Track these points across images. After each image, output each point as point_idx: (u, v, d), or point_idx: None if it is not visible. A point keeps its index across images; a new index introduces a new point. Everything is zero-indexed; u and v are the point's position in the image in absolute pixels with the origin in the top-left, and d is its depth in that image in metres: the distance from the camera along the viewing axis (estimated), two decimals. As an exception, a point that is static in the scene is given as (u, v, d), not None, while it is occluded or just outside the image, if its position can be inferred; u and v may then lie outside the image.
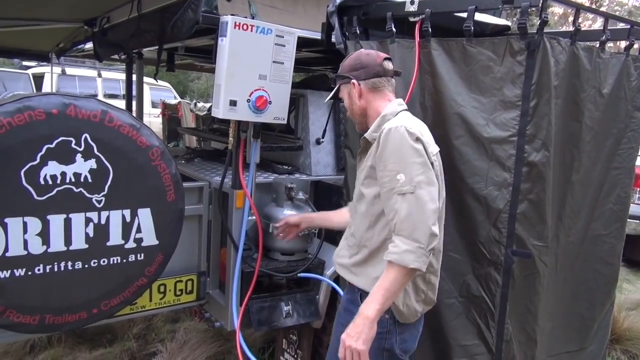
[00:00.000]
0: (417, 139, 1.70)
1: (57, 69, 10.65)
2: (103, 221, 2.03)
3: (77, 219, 1.96)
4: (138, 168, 2.07)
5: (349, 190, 2.87)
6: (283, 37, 2.37)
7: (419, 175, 1.63)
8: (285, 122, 2.53)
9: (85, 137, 1.93)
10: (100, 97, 10.64)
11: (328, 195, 3.11)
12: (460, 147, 2.29)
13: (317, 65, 4.42)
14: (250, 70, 2.32)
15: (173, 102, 10.09)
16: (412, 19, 2.46)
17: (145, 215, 2.12)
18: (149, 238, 2.16)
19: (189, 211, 2.71)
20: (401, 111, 1.86)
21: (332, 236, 2.95)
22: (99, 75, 10.98)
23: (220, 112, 2.32)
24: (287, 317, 2.79)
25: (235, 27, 2.23)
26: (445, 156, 2.30)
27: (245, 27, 2.25)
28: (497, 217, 2.19)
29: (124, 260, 2.11)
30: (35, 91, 10.50)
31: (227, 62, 2.26)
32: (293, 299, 2.86)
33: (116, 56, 4.17)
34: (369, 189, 1.82)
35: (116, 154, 2.02)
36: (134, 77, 4.32)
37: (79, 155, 1.92)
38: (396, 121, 1.76)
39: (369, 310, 1.59)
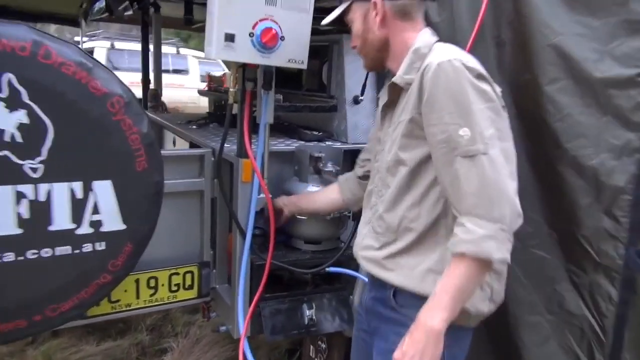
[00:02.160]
0: (481, 77, 1.24)
1: (107, 43, 10.54)
2: (42, 197, 1.47)
3: (3, 193, 1.41)
4: (91, 124, 1.49)
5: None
6: (299, -56, 1.69)
7: (489, 127, 1.20)
8: (304, 65, 1.86)
9: (9, 79, 1.36)
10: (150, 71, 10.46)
11: (367, 169, 2.43)
12: (555, 96, 1.54)
13: None
14: (253, -9, 1.67)
15: (219, 74, 9.66)
16: None
17: (104, 190, 1.55)
18: (112, 221, 1.59)
19: (187, 186, 2.13)
20: (436, 42, 1.37)
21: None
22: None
23: (213, 50, 1.69)
24: (310, 324, 2.18)
25: None
26: (529, 111, 1.58)
27: None
28: (614, 199, 1.45)
29: (77, 251, 1.55)
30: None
31: (220, -20, 1.62)
32: (319, 300, 2.24)
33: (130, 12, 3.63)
34: (410, 153, 1.32)
35: (58, 103, 1.44)
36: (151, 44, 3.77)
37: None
38: (442, 54, 1.26)
39: (435, 319, 1.18)
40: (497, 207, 1.14)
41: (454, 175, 1.19)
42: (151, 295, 2.11)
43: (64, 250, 1.53)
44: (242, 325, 2.00)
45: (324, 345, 2.53)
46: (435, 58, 1.24)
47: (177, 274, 2.15)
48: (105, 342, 3.23)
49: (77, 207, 1.52)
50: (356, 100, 2.56)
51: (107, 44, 10.40)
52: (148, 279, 2.08)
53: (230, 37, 1.68)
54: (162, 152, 1.80)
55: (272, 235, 2.01)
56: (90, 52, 10.24)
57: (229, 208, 2.04)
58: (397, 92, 1.38)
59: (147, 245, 1.72)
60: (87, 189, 1.53)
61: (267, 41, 1.71)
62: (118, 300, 2.03)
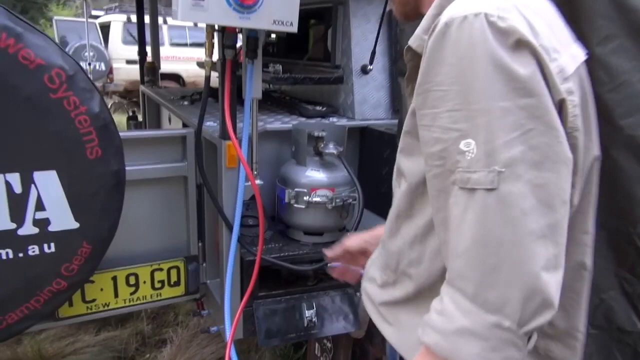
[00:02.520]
0: (519, 43, 0.71)
1: (123, 17, 10.34)
2: (-31, 192, 1.22)
3: None
4: (25, 104, 1.22)
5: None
6: None
7: (513, 143, 0.69)
8: (294, 29, 1.55)
9: None
10: (167, 46, 10.22)
11: (379, 149, 2.13)
12: (608, 59, 1.19)
13: None
14: None
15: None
16: None
17: (48, 183, 1.29)
18: (61, 219, 1.34)
19: (169, 171, 1.87)
20: None
21: (379, 204, 2.01)
22: (165, 22, 10.45)
23: (179, 11, 1.39)
24: (311, 326, 1.92)
25: None
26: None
27: None
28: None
29: (20, 255, 1.31)
30: (102, 40, 10.34)
31: None
32: (320, 299, 1.97)
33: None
34: (411, 161, 0.88)
35: (-21, 78, 1.18)
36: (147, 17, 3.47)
37: None
38: (467, 2, 0.74)
39: None
40: (497, 286, 0.67)
41: (446, 214, 0.74)
42: (132, 294, 1.88)
43: (4, 254, 1.29)
44: (229, 330, 1.76)
45: (329, 345, 2.28)
46: (452, 9, 0.74)
47: (160, 269, 1.91)
48: (105, 332, 3.07)
49: (17, 204, 1.27)
50: (365, 70, 2.23)
51: (124, 17, 10.20)
52: (127, 276, 1.85)
53: (199, -6, 1.38)
54: (134, 133, 1.53)
55: (261, 229, 1.74)
56: (107, 26, 10.11)
57: (212, 197, 1.77)
58: (415, 60, 0.88)
59: (109, 245, 1.47)
60: (27, 182, 1.27)
61: (246, -2, 1.40)
62: (94, 300, 1.81)
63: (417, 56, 0.85)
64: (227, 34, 1.56)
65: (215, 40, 1.62)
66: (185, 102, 2.55)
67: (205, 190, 1.91)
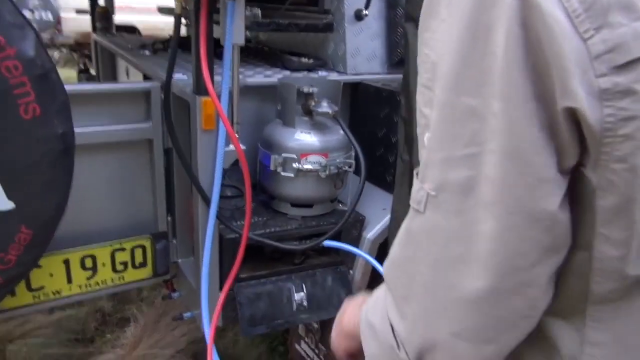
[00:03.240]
0: None
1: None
2: None
3: None
4: None
5: (411, 98, 1.61)
6: None
7: (488, 137, 0.47)
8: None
9: None
10: None
11: (375, 108, 1.86)
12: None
13: None
14: None
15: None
16: None
17: (-33, 151, 0.97)
18: (-11, 197, 1.02)
19: (129, 134, 1.55)
20: None
21: (374, 171, 1.77)
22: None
23: None
24: (301, 310, 1.69)
25: None
26: None
27: None
28: None
29: None
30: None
31: None
32: (310, 279, 1.73)
33: None
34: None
35: None
36: None
37: None
38: None
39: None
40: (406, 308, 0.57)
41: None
42: (89, 279, 1.59)
43: None
44: (208, 320, 1.50)
45: (316, 325, 2.07)
46: None
47: (123, 249, 1.61)
48: (60, 310, 2.76)
49: None
50: (359, 16, 1.93)
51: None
52: (82, 259, 1.55)
53: None
54: (85, 86, 1.21)
55: (249, 204, 1.46)
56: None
57: (184, 165, 1.48)
58: None
59: (56, 228, 1.16)
60: (-62, 150, 0.94)
61: None
62: (42, 288, 1.51)
63: None
64: (201, -41, 1.23)
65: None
66: (147, 52, 2.19)
67: (174, 156, 1.60)
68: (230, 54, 1.38)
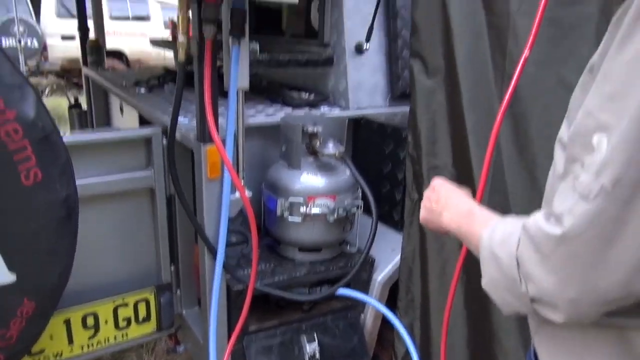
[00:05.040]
0: None
1: (59, -14, 9.41)
2: None
3: None
4: None
5: (419, 135, 1.58)
6: None
7: None
8: (295, 0, 1.19)
9: None
10: (107, 19, 9.36)
11: (379, 144, 1.82)
12: None
13: None
14: None
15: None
16: None
17: (-37, 223, 0.89)
18: (-13, 271, 0.94)
19: (130, 183, 1.48)
20: None
21: (387, 212, 1.72)
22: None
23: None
24: (313, 360, 1.61)
25: None
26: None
27: None
28: None
29: None
30: (33, 13, 9.41)
31: None
32: (321, 328, 1.66)
33: None
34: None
35: None
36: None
37: None
38: None
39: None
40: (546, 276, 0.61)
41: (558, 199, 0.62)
42: (90, 338, 1.50)
43: None
44: (219, 378, 1.43)
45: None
46: None
47: (125, 304, 1.53)
48: None
49: None
50: (360, 49, 1.89)
51: (59, -13, 9.28)
52: (83, 317, 1.47)
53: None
54: (83, 136, 1.15)
55: (255, 255, 1.39)
56: (36, -4, 9.16)
57: (189, 215, 1.41)
58: None
59: (60, 296, 1.09)
60: None
61: (234, -43, 1.03)
62: (42, 351, 1.42)
63: None
64: (206, 5, 1.18)
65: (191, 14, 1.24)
66: (142, 90, 2.13)
67: (177, 203, 1.54)
68: (235, 99, 1.32)
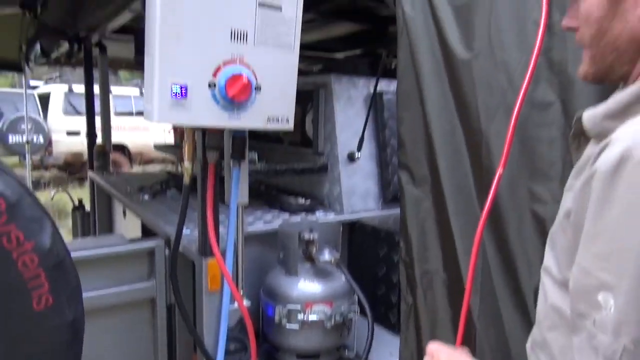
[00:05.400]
0: None
1: (65, 87, 9.91)
2: None
3: None
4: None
5: (410, 241, 1.65)
6: (278, -45, 1.17)
7: None
8: (290, 126, 1.32)
9: None
10: (111, 115, 9.80)
11: (373, 247, 1.89)
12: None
13: (335, 50, 3.07)
14: (212, 21, 1.13)
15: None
16: None
17: (-26, 351, 0.94)
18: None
19: (132, 295, 1.53)
20: None
21: (383, 314, 1.75)
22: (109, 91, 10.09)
23: (156, 112, 1.13)
24: None
25: None
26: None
27: None
28: None
29: None
30: (41, 111, 9.82)
31: (162, 4, 1.07)
32: None
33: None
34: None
35: None
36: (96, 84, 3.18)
37: None
38: None
39: None
40: None
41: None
42: None
43: None
44: None
45: None
46: (634, 132, 0.61)
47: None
48: None
49: None
50: (352, 158, 2.03)
51: (65, 87, 9.78)
52: None
53: (179, 92, 1.12)
54: (88, 252, 1.21)
55: (254, 365, 1.41)
56: (46, 96, 9.63)
57: (189, 327, 1.44)
58: (582, 139, 0.77)
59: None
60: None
61: (236, 94, 1.16)
62: None
63: (585, 139, 0.76)
64: (210, 135, 1.30)
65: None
66: (146, 197, 2.23)
67: (177, 313, 1.58)
68: (235, 214, 1.41)
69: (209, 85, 1.15)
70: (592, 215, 0.62)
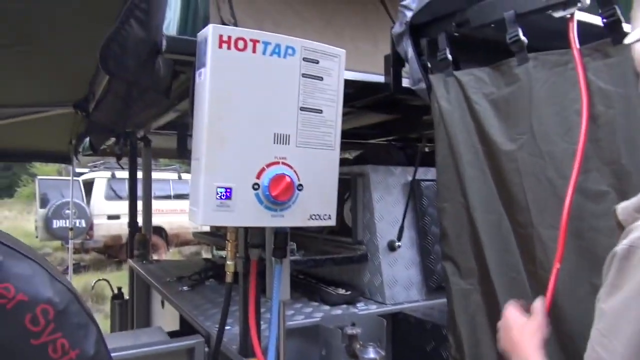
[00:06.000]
0: None
1: (108, 173, 10.36)
2: None
3: None
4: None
5: (460, 336, 1.56)
6: (318, 61, 1.23)
7: None
8: (332, 222, 1.32)
9: None
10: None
11: (419, 341, 1.80)
12: None
13: (369, 137, 3.15)
14: (256, 126, 1.17)
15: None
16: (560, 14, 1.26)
17: None
18: None
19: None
20: None
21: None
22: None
23: (200, 213, 1.14)
24: None
25: (220, 45, 1.11)
26: None
27: (240, 43, 1.13)
28: None
29: None
30: (84, 196, 10.22)
31: (209, 113, 1.13)
32: None
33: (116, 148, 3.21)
34: None
35: None
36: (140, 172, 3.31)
37: None
38: None
39: None
40: None
41: None
42: None
43: None
44: None
45: None
46: None
47: None
48: None
49: None
50: (392, 247, 1.99)
51: (108, 174, 10.22)
52: None
53: (224, 193, 1.14)
54: (126, 353, 1.19)
55: None
56: (90, 182, 10.07)
57: None
58: (620, 229, 0.79)
59: None
60: None
61: (279, 194, 1.18)
62: None
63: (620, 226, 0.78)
64: (252, 233, 1.31)
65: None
66: (184, 287, 2.22)
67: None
68: (277, 313, 1.38)
69: (253, 187, 1.17)
70: (604, 296, 0.69)
